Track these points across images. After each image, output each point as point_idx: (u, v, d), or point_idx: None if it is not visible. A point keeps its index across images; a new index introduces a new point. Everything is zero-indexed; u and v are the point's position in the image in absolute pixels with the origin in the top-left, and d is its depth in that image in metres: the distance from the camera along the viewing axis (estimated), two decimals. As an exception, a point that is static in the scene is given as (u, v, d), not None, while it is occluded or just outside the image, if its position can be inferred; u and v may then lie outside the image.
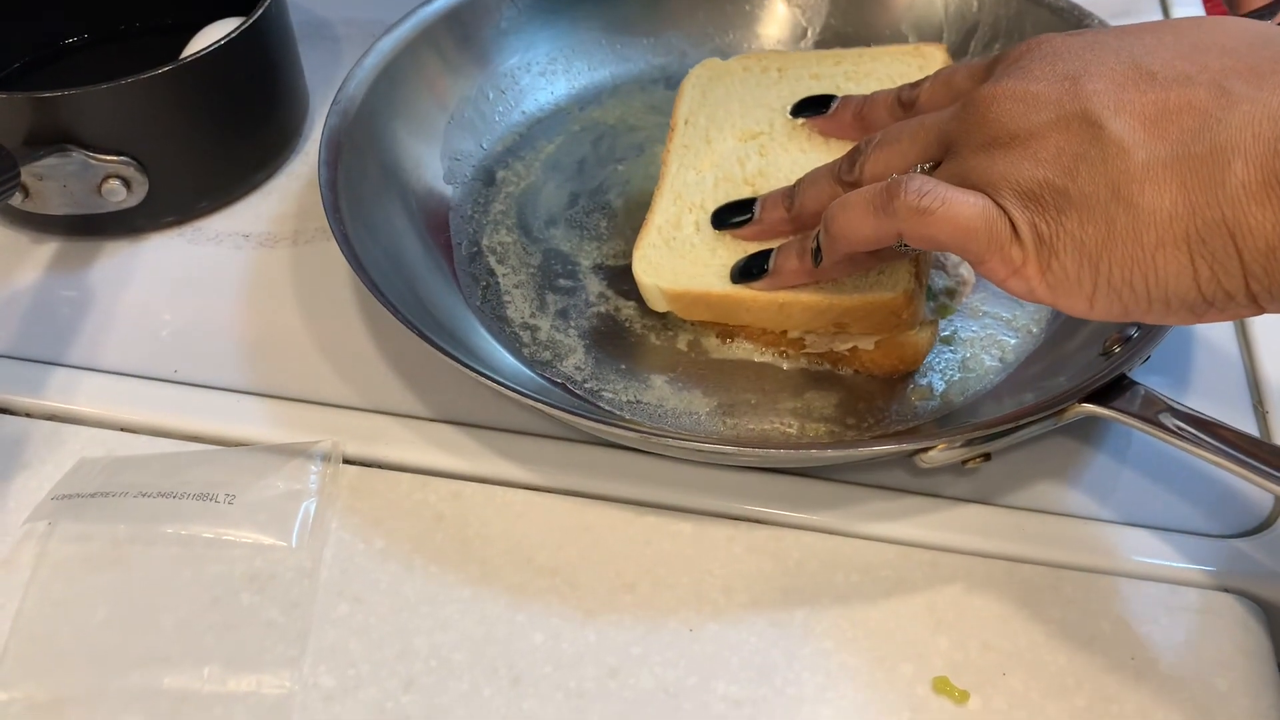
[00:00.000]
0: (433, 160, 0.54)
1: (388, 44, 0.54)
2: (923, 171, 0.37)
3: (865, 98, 0.46)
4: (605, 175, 0.56)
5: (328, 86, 0.60)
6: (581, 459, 0.44)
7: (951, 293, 0.49)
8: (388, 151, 0.52)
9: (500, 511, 0.42)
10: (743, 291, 0.44)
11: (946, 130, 0.37)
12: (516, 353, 0.47)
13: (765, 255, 0.44)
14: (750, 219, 0.45)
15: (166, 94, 0.50)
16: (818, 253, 0.40)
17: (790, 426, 0.45)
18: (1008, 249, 0.33)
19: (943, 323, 0.48)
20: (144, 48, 0.61)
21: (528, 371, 0.46)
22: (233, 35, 0.51)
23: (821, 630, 0.39)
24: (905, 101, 0.43)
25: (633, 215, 0.54)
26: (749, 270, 0.44)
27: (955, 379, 0.46)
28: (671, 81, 0.61)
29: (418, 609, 0.39)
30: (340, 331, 0.49)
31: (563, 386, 0.46)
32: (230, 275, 0.52)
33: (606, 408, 0.45)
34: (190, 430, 0.45)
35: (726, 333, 0.47)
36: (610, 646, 0.38)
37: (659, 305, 0.46)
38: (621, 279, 0.51)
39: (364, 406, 0.46)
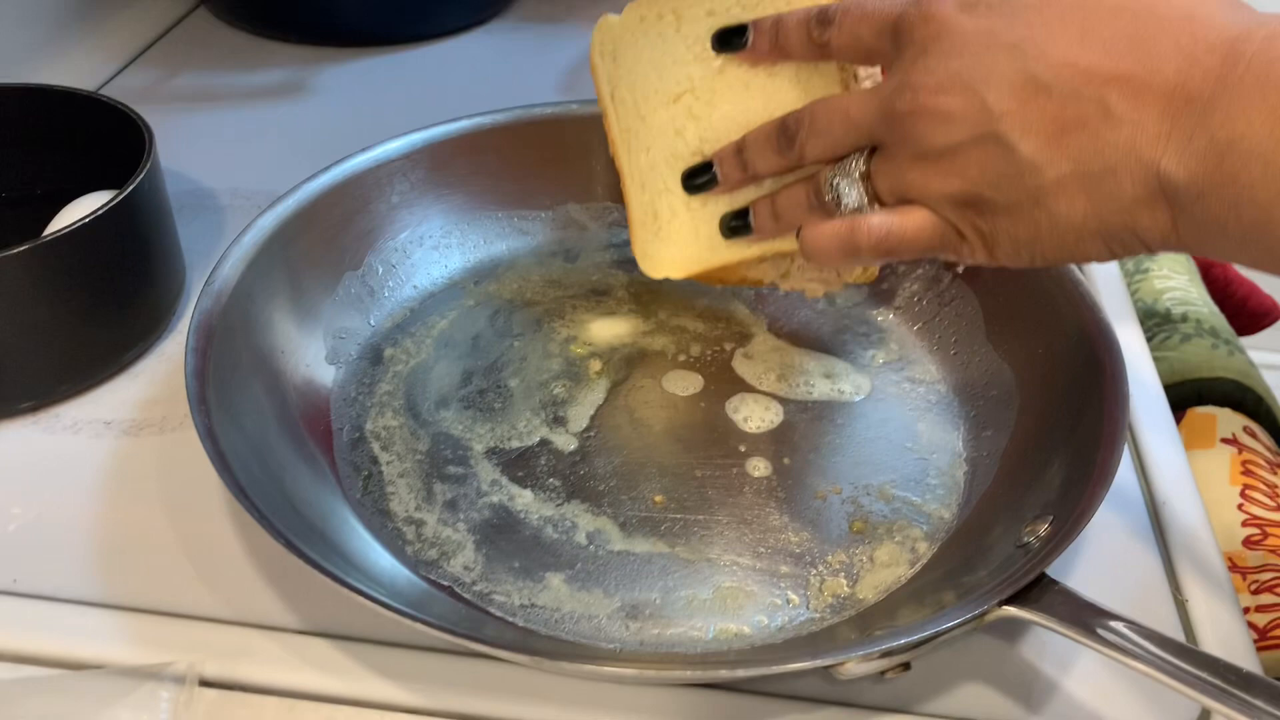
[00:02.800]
0: (314, 341, 0.51)
1: (269, 221, 0.51)
2: (861, 160, 0.41)
3: (776, 23, 0.44)
4: (501, 351, 0.54)
5: (208, 259, 0.57)
6: (471, 676, 0.40)
7: None
8: (264, 335, 0.49)
9: (377, 739, 0.38)
10: (743, 252, 0.47)
11: (875, 132, 0.40)
12: (399, 552, 0.44)
13: (745, 211, 0.46)
14: (713, 180, 0.46)
15: (20, 276, 0.46)
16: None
17: (698, 629, 0.42)
18: (958, 248, 0.40)
19: (853, 509, 0.46)
20: (10, 220, 0.58)
21: (410, 574, 0.43)
22: (97, 213, 0.48)
23: None
24: (818, 41, 0.42)
25: (529, 394, 0.51)
26: (735, 227, 0.46)
27: (868, 573, 0.44)
28: (570, 254, 0.60)
29: None
30: (206, 531, 0.45)
31: (449, 590, 0.42)
32: (87, 468, 0.47)
33: (497, 613, 0.42)
34: (29, 652, 0.40)
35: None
36: None
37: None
38: (517, 465, 0.48)
39: (228, 618, 0.41)
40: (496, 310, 0.56)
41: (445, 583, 0.43)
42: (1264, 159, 0.32)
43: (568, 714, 0.39)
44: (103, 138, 0.56)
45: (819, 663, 0.36)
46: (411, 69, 0.80)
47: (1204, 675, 0.33)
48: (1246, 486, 0.57)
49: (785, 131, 0.43)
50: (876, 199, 0.40)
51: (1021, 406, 0.49)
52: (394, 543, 0.44)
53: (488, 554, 0.44)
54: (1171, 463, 0.50)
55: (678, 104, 0.48)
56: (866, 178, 0.40)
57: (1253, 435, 0.61)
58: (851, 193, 0.41)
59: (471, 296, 0.57)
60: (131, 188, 0.49)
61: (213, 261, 0.49)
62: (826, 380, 0.52)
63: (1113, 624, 0.35)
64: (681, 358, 0.54)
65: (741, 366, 0.53)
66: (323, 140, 0.67)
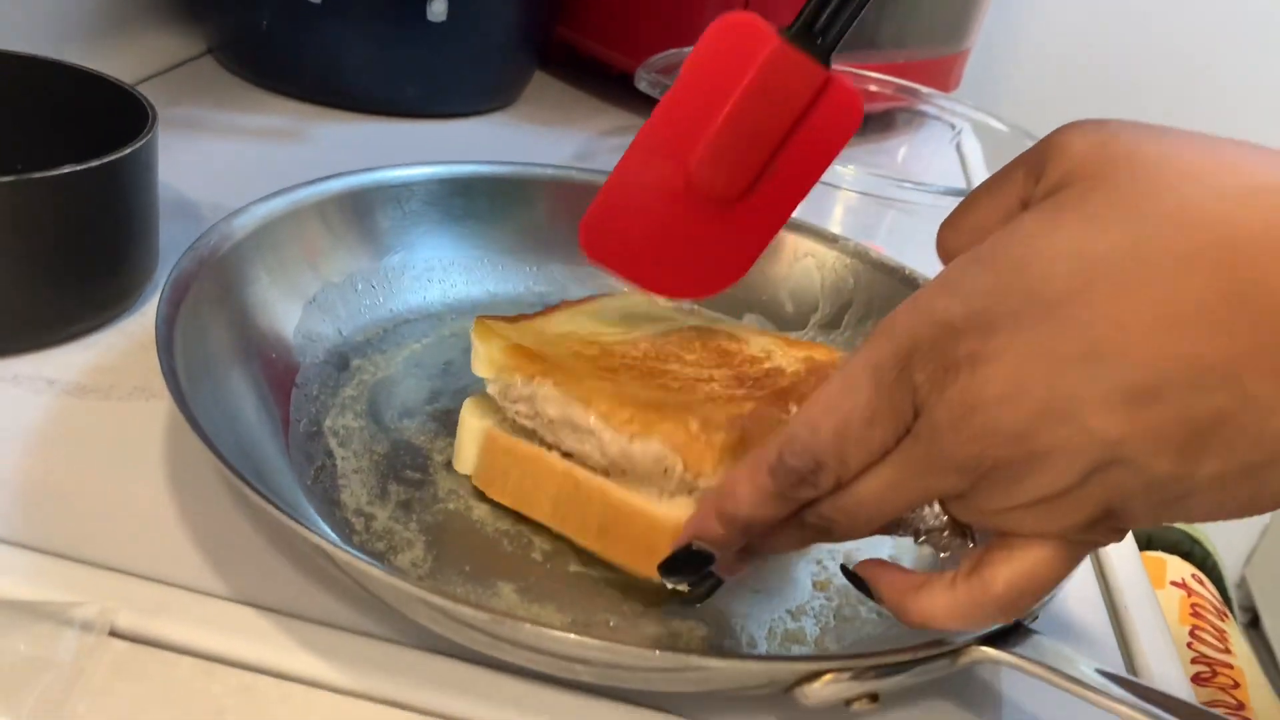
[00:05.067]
0: (282, 336, 0.50)
1: (260, 211, 0.51)
2: (937, 515, 0.33)
3: (729, 513, 0.34)
4: (472, 379, 0.51)
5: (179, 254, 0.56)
6: (405, 663, 0.37)
7: None
8: (234, 312, 0.47)
9: (297, 714, 0.35)
10: None
11: (945, 492, 0.31)
12: (346, 539, 0.41)
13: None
14: (709, 572, 0.36)
15: (-1, 208, 0.44)
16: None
17: (652, 654, 0.39)
18: (1091, 551, 0.32)
19: (814, 567, 0.45)
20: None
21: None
22: (88, 165, 0.46)
23: None
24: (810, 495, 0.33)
25: (496, 421, 0.50)
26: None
27: (830, 626, 0.42)
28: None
29: (168, 822, 0.30)
30: (140, 494, 0.42)
31: (395, 581, 0.40)
32: (21, 419, 0.44)
33: (443, 610, 0.39)
34: (-79, 578, 0.36)
35: None
36: None
37: None
38: (476, 480, 0.46)
39: (150, 575, 0.38)
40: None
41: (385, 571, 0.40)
42: None
43: (505, 714, 0.36)
44: (96, 118, 0.55)
45: (795, 668, 0.34)
46: (410, 139, 0.81)
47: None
48: (1195, 627, 0.56)
49: (808, 500, 0.33)
50: (969, 534, 0.33)
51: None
52: (342, 530, 0.41)
53: (438, 555, 0.41)
54: (1130, 570, 0.50)
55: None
56: (953, 527, 0.33)
57: (1200, 583, 0.61)
58: (943, 543, 0.33)
59: (448, 328, 0.56)
60: (127, 152, 0.48)
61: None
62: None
63: (1084, 668, 0.34)
64: (654, 409, 0.53)
65: (714, 425, 0.52)
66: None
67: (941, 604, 0.32)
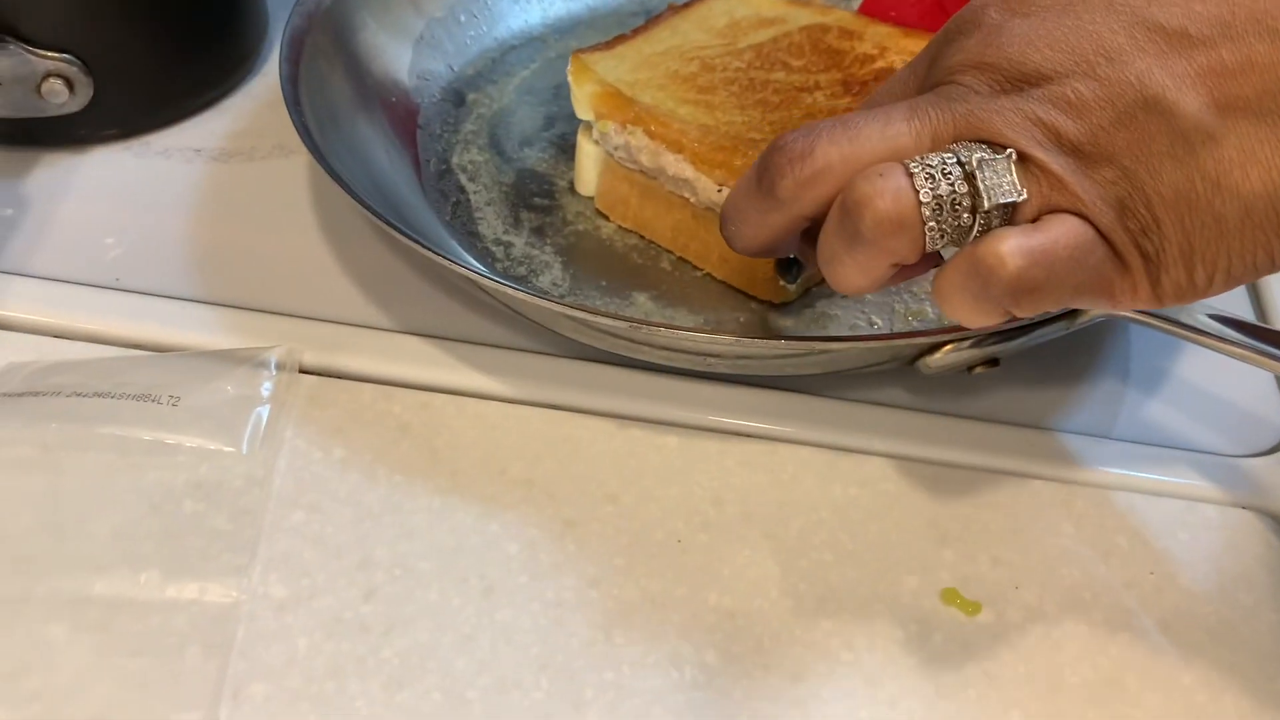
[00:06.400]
0: (398, 78, 0.51)
1: (355, -44, 0.51)
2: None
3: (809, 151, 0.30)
4: (583, 101, 0.53)
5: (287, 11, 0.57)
6: (558, 372, 0.41)
7: None
8: (356, 57, 0.49)
9: (472, 423, 0.39)
10: None
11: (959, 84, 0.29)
12: (490, 267, 0.44)
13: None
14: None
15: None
16: None
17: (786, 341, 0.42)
18: (1115, 288, 0.28)
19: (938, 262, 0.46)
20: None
21: (502, 284, 0.43)
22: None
23: (819, 542, 0.36)
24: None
25: (612, 139, 0.51)
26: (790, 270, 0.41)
27: (953, 301, 0.44)
28: (653, 15, 0.59)
29: (380, 518, 0.36)
30: (298, 245, 0.46)
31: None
32: (180, 189, 0.48)
33: (586, 321, 0.42)
34: (132, 337, 0.41)
35: None
36: (591, 557, 0.35)
37: None
38: (600, 199, 0.48)
39: (323, 317, 0.42)
40: (578, 63, 0.56)
41: (535, 295, 0.43)
42: None
43: (651, 407, 0.40)
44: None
45: (916, 341, 0.36)
46: None
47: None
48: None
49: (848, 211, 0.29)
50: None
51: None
52: (485, 260, 0.45)
53: (575, 273, 0.44)
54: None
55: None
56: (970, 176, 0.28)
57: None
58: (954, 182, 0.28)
59: (553, 49, 0.56)
60: (219, -88, 0.49)
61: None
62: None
63: (1199, 315, 0.35)
64: (765, 109, 0.53)
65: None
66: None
67: (942, 277, 0.29)
